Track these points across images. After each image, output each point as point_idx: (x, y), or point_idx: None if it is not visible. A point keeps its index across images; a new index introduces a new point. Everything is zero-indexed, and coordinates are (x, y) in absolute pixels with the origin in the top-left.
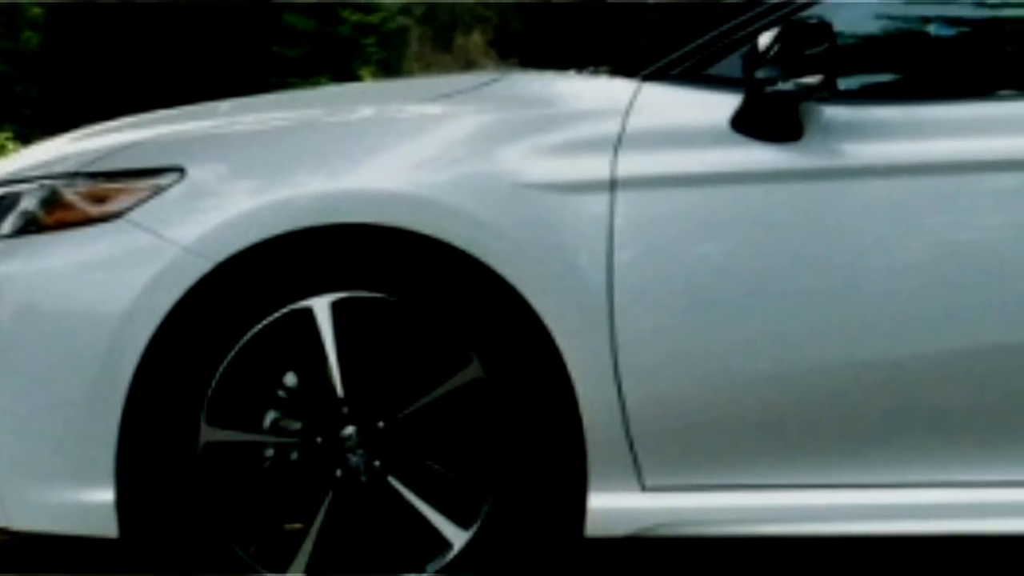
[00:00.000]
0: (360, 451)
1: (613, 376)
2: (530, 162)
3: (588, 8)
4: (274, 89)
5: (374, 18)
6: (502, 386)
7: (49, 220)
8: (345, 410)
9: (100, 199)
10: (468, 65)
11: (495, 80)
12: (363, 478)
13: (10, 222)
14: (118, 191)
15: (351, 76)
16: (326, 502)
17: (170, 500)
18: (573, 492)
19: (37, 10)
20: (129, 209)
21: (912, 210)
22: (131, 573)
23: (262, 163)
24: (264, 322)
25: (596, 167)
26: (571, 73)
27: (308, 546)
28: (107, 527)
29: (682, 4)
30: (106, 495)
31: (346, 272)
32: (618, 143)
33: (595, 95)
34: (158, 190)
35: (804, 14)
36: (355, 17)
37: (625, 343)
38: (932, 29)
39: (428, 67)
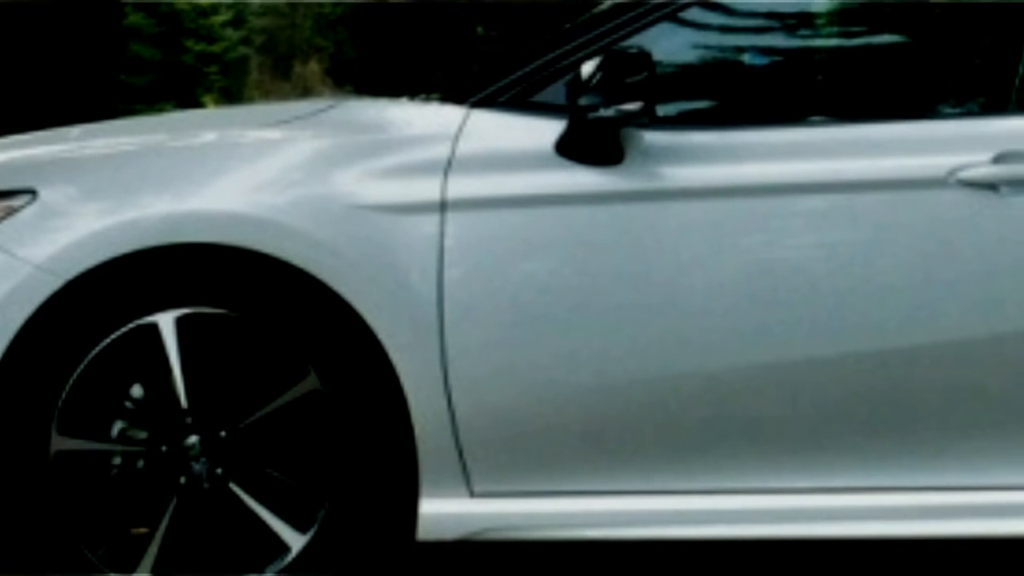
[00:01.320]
0: (203, 459)
1: (443, 388)
2: (364, 184)
3: (420, 38)
4: (121, 115)
5: (216, 48)
6: (338, 397)
7: None
8: (189, 420)
9: None
10: (306, 92)
11: (331, 107)
12: (206, 484)
13: None
14: None
15: (195, 103)
16: (171, 507)
17: (22, 505)
18: (405, 498)
19: None
20: None
21: (727, 230)
22: None
23: (110, 185)
24: (112, 337)
25: (427, 190)
26: (403, 100)
27: (154, 549)
28: None
29: (510, 34)
30: None
31: (190, 289)
32: (448, 167)
33: (426, 121)
34: (11, 211)
35: (624, 44)
36: (198, 47)
37: (455, 357)
38: (746, 59)
39: (268, 94)
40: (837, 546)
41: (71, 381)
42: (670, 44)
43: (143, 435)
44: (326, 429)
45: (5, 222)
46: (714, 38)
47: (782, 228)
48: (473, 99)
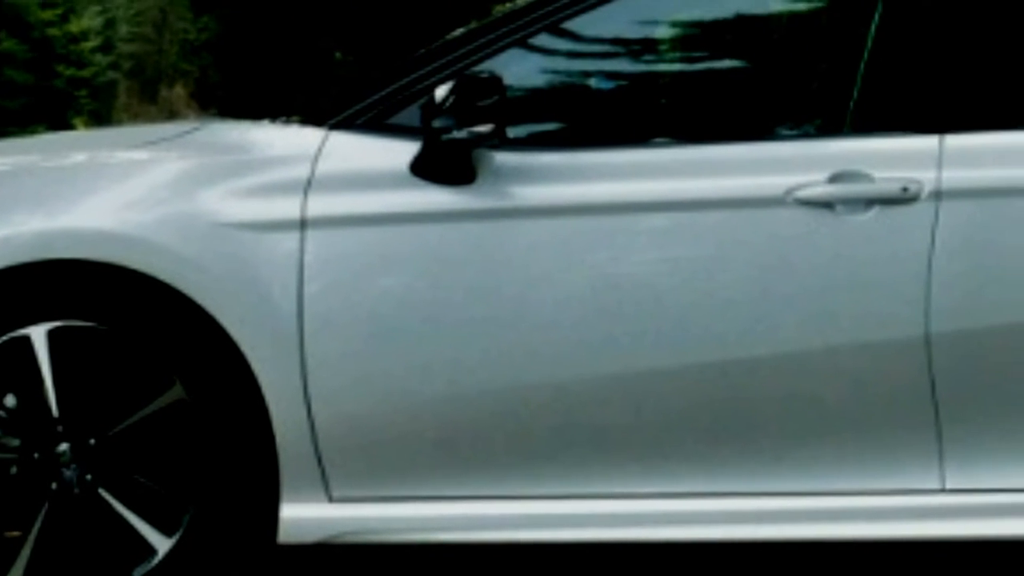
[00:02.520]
0: (73, 466)
1: (303, 398)
2: (228, 203)
3: (281, 63)
4: None
5: (86, 72)
6: (203, 407)
7: None
8: (60, 428)
9: None
10: (172, 115)
11: (196, 129)
12: (76, 490)
13: None
14: None
15: (66, 125)
16: (42, 512)
17: None
18: (267, 502)
19: None
20: None
21: (575, 247)
22: None
23: None
24: None
25: (288, 208)
26: (265, 122)
27: (26, 552)
28: None
29: (366, 59)
30: None
31: (61, 303)
32: (308, 186)
33: (287, 142)
34: None
35: (476, 69)
36: (69, 71)
37: (314, 368)
38: (593, 83)
39: (136, 117)
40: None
41: None
42: (520, 69)
43: (16, 443)
44: (192, 437)
45: None
46: (562, 63)
47: (627, 245)
48: (332, 121)
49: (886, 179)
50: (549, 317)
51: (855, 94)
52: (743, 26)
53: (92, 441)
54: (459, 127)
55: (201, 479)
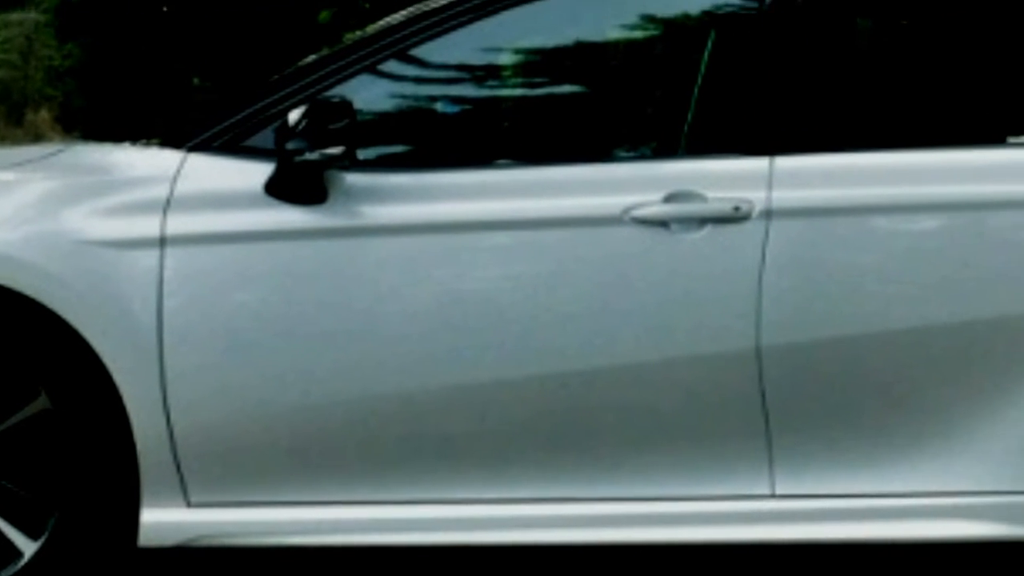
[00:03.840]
0: None
1: (163, 407)
2: (91, 222)
3: (142, 88)
4: None
5: None
6: (67, 416)
7: None
8: None
9: None
10: (37, 138)
11: (60, 151)
12: None
13: None
14: None
15: None
16: None
17: None
18: (128, 508)
19: None
20: None
21: (421, 263)
22: None
23: None
24: None
25: (148, 226)
26: (127, 145)
27: None
28: None
29: (224, 84)
30: None
31: None
32: (167, 206)
33: (147, 164)
34: None
35: (328, 93)
36: None
37: (173, 379)
38: (439, 107)
39: (2, 140)
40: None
41: None
42: (369, 93)
43: None
44: (56, 444)
45: None
46: (409, 88)
47: (472, 261)
48: (190, 144)
49: (719, 199)
50: (397, 330)
51: (689, 118)
52: (582, 53)
53: None
54: (311, 149)
55: (66, 485)
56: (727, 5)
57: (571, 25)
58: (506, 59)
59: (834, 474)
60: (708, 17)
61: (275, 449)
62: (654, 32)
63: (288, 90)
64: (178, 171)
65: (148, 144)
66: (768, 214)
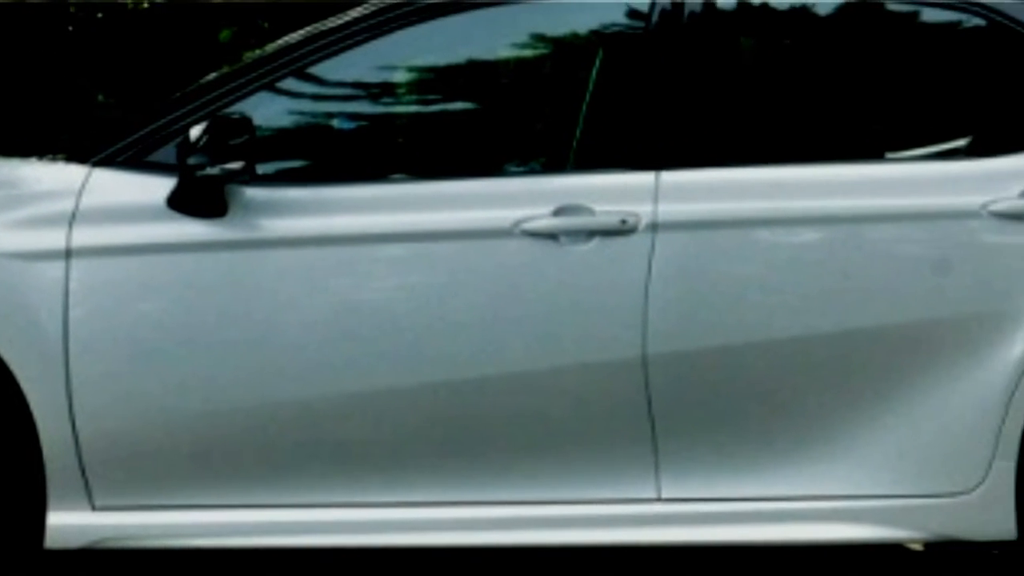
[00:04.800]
0: None
1: (68, 414)
2: None
3: (46, 104)
4: None
5: None
6: None
7: None
8: None
9: None
10: None
11: None
12: None
13: None
14: None
15: None
16: None
17: None
18: (34, 511)
19: None
20: None
21: (319, 274)
22: None
23: None
24: None
25: (54, 239)
26: (33, 160)
27: None
28: None
29: (127, 101)
30: None
31: None
32: (72, 219)
33: (53, 178)
34: None
35: (228, 110)
36: None
37: (78, 387)
38: (336, 123)
39: None
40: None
41: None
42: (268, 110)
43: None
44: None
45: None
46: (307, 104)
47: (367, 273)
48: (95, 159)
49: (606, 212)
50: (295, 339)
51: (577, 134)
52: (474, 71)
53: None
54: (212, 164)
55: None
56: (614, 25)
57: (463, 44)
58: (401, 77)
59: (719, 478)
60: (596, 36)
61: (177, 454)
62: (543, 51)
63: (190, 107)
64: (83, 185)
65: (54, 159)
66: (654, 227)
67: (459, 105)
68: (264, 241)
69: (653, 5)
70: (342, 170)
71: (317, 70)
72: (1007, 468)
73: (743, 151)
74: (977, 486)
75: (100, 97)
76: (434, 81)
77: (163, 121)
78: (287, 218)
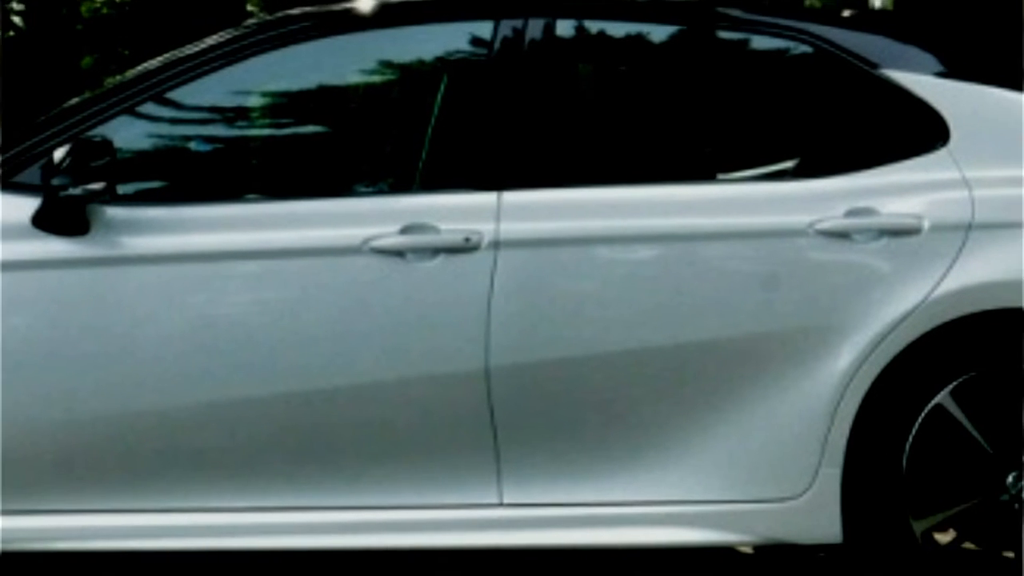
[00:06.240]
0: None
1: None
2: None
3: None
4: None
5: None
6: None
7: None
8: None
9: None
10: None
11: None
12: None
13: None
14: None
15: None
16: None
17: None
18: None
19: None
20: None
21: (176, 290)
22: None
23: None
24: None
25: None
26: None
27: None
28: None
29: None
30: None
31: None
32: None
33: None
34: None
35: (90, 133)
36: None
37: None
38: (193, 145)
39: None
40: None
41: None
42: (129, 133)
43: None
44: None
45: None
46: (166, 128)
47: (223, 288)
48: None
49: (451, 230)
50: (154, 352)
51: (424, 156)
52: (325, 96)
53: None
54: (75, 185)
55: None
56: (458, 52)
57: (314, 70)
58: (255, 102)
59: (558, 484)
60: (440, 63)
61: (42, 462)
62: (391, 77)
63: (53, 130)
64: None
65: None
66: (496, 244)
67: (311, 128)
68: (124, 258)
69: (495, 32)
70: (199, 190)
71: (175, 95)
72: (833, 475)
73: (582, 172)
74: (804, 492)
75: None
76: (287, 105)
77: (28, 144)
78: (146, 236)
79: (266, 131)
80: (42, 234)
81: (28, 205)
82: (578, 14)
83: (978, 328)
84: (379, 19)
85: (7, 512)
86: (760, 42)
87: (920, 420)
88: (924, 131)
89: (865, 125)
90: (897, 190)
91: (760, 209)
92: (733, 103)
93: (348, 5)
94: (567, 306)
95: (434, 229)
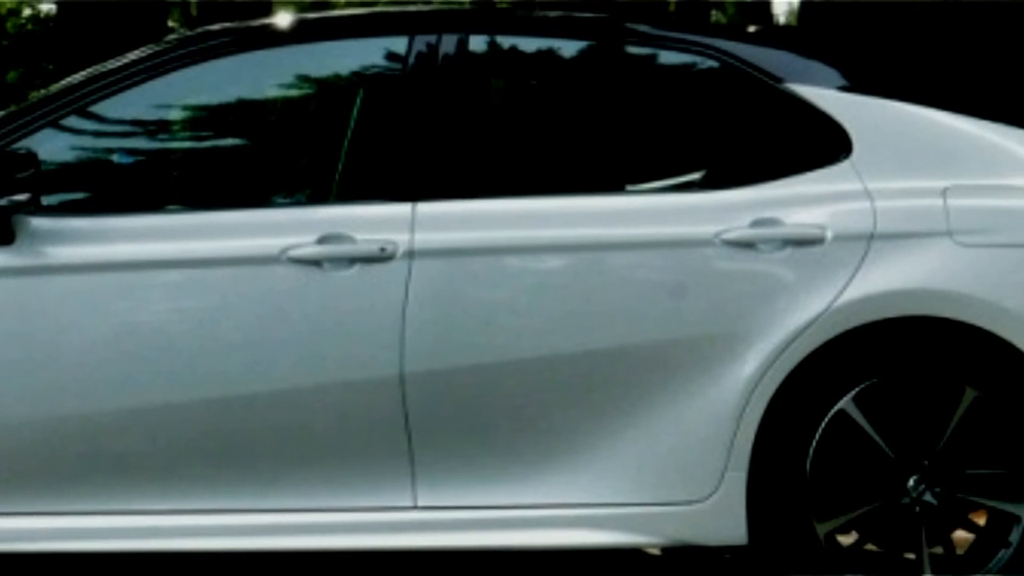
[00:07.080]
0: None
1: None
2: None
3: None
4: None
5: None
6: None
7: None
8: None
9: None
10: None
11: None
12: None
13: None
14: None
15: None
16: None
17: None
18: None
19: None
20: None
21: (99, 298)
22: None
23: None
24: None
25: None
26: None
27: None
28: None
29: None
30: None
31: None
32: None
33: None
34: None
35: (15, 145)
36: None
37: None
38: (115, 158)
39: None
40: None
41: None
42: (53, 146)
43: None
44: None
45: None
46: (89, 141)
47: (145, 297)
48: None
49: (366, 241)
50: (77, 359)
51: (340, 168)
52: (244, 109)
53: None
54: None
55: None
56: (374, 66)
57: (234, 84)
58: (175, 115)
59: (471, 488)
60: (357, 77)
61: None
62: (308, 91)
63: None
64: None
65: None
66: (411, 254)
67: (230, 141)
68: (48, 267)
69: (409, 48)
70: (121, 201)
71: (98, 108)
72: (739, 478)
73: (494, 184)
74: (711, 495)
75: None
76: (207, 119)
77: None
78: (70, 246)
79: (187, 144)
80: None
81: None
82: (491, 30)
83: (880, 335)
84: (297, 35)
85: None
86: (668, 57)
87: (823, 425)
88: (827, 144)
89: (770, 138)
90: (801, 201)
91: (668, 220)
92: (642, 117)
93: (266, 21)
94: (479, 314)
95: (350, 239)
